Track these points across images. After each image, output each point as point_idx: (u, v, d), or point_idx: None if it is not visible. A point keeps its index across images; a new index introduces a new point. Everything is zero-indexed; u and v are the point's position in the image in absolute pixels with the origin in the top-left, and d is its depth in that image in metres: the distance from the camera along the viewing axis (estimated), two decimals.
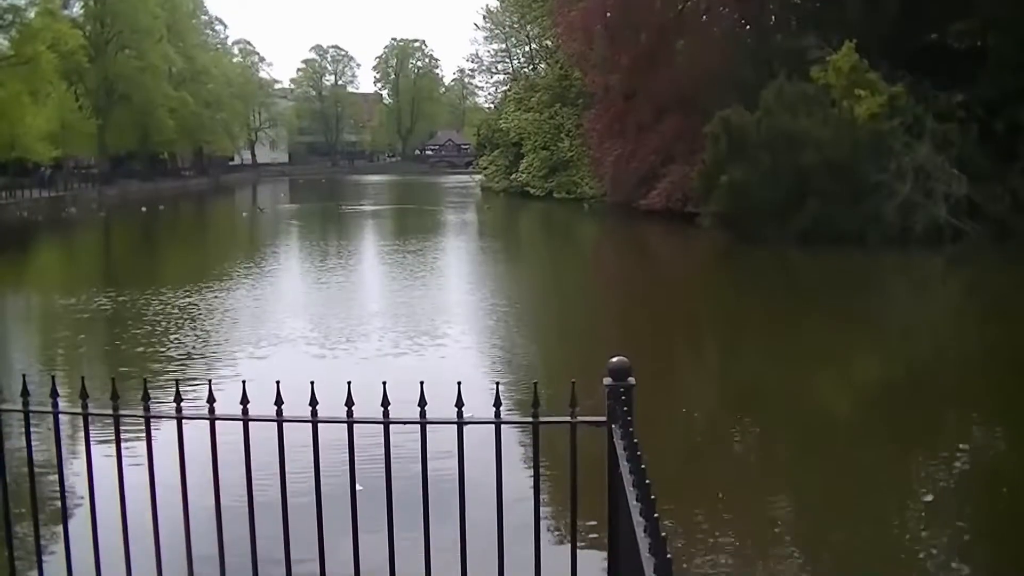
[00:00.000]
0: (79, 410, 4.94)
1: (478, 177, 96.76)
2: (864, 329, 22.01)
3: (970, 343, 20.65)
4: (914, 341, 20.86)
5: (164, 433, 5.33)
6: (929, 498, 11.19)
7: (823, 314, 24.17)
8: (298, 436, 4.79)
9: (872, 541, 9.67)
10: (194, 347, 18.61)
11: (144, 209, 67.48)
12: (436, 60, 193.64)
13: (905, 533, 10.09)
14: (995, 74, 37.55)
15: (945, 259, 33.21)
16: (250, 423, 4.84)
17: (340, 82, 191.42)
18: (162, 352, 18.19)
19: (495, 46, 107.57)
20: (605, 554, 4.72)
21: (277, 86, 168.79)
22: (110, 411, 4.94)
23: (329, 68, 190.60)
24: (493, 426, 4.74)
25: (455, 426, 4.71)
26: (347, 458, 4.89)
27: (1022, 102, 36.02)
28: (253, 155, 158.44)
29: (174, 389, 5.01)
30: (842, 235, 33.79)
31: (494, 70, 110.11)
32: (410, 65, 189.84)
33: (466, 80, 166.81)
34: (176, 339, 19.33)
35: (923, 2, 40.37)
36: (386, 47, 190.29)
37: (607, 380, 4.53)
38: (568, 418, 4.69)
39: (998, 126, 36.68)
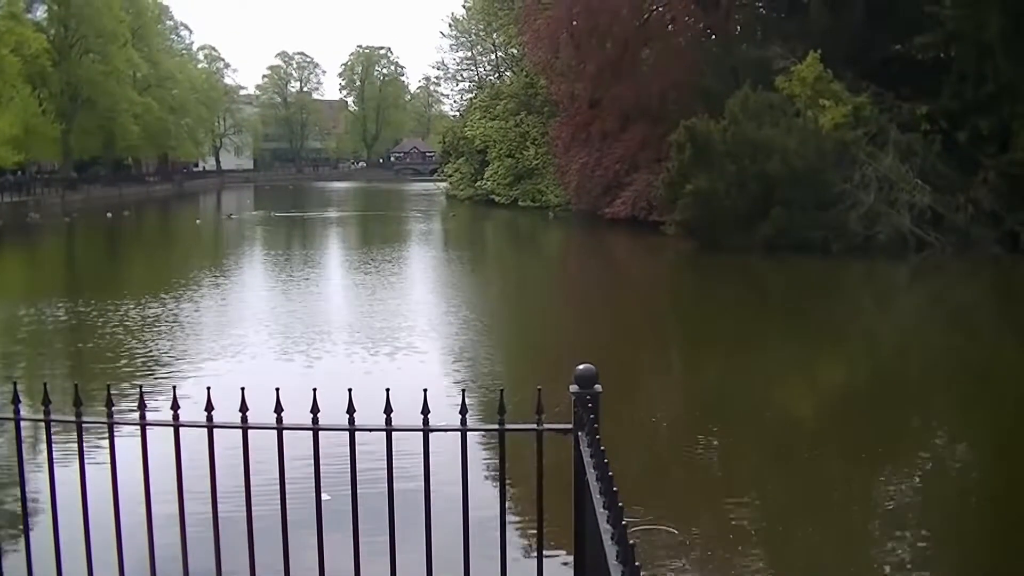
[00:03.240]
0: (41, 417, 4.89)
1: (443, 185, 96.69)
2: (823, 338, 22.13)
3: (928, 353, 20.80)
4: (872, 350, 20.95)
5: (128, 440, 5.29)
6: (891, 505, 11.24)
7: (783, 323, 24.33)
8: (268, 444, 4.76)
9: (836, 547, 9.73)
10: (159, 359, 18.47)
11: (110, 215, 66.88)
12: (402, 68, 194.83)
13: (868, 538, 10.14)
14: (958, 86, 37.85)
15: (908, 269, 33.42)
16: (215, 430, 4.80)
17: (306, 89, 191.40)
18: (125, 365, 18.06)
19: (461, 54, 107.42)
20: (572, 562, 4.71)
21: (242, 92, 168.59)
22: (73, 418, 4.89)
23: (295, 75, 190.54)
24: (459, 434, 4.73)
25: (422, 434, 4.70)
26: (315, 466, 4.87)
27: (984, 114, 36.34)
28: (218, 161, 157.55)
29: (138, 396, 4.95)
30: (806, 244, 34.02)
31: (460, 78, 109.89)
32: (376, 72, 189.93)
33: (432, 88, 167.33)
34: (141, 351, 19.18)
35: (887, 14, 40.66)
36: (352, 54, 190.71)
37: (573, 388, 4.52)
38: (534, 425, 4.68)
39: (961, 137, 36.97)
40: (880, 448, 13.22)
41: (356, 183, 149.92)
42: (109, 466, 4.91)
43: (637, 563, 2.80)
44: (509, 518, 5.17)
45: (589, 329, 23.41)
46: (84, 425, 4.94)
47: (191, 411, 4.94)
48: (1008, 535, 10.21)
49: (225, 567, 5.00)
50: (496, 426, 4.75)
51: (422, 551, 4.83)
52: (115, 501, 4.94)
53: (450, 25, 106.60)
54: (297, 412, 4.83)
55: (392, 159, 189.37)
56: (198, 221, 68.62)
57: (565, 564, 5.75)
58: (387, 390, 4.69)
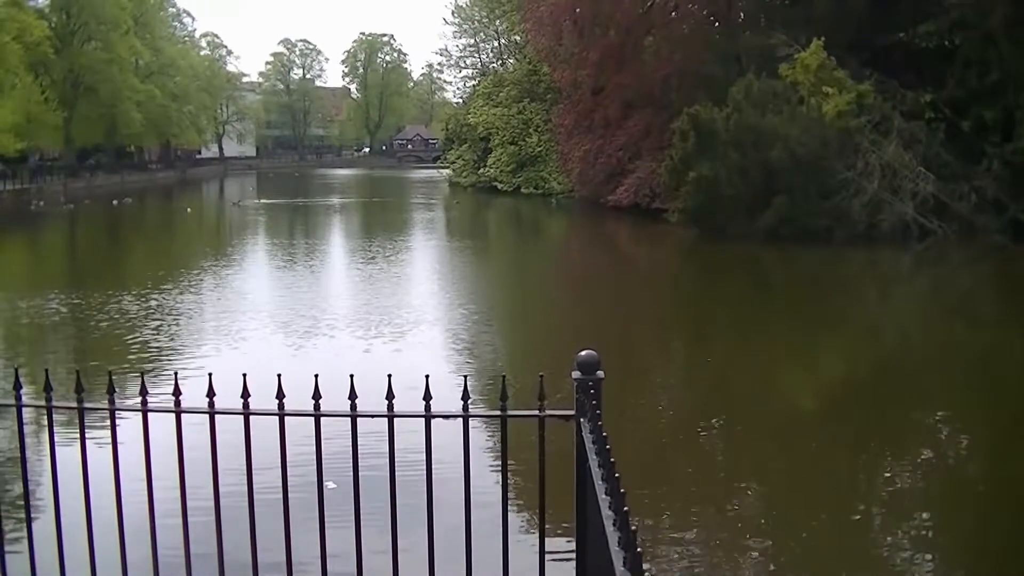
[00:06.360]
0: (43, 403, 4.88)
1: (446, 172, 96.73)
2: (824, 326, 22.09)
3: (930, 340, 20.77)
4: (875, 338, 20.93)
5: (130, 427, 5.27)
6: (893, 488, 11.24)
7: (785, 311, 24.33)
8: (270, 430, 4.76)
9: (840, 537, 9.73)
10: (161, 347, 18.50)
11: (115, 203, 66.95)
12: (405, 55, 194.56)
13: (872, 528, 10.13)
14: (962, 74, 37.77)
15: (911, 257, 33.36)
16: (217, 416, 4.79)
17: (308, 76, 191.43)
18: (127, 353, 18.08)
19: (464, 41, 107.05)
20: (574, 548, 4.71)
21: (245, 79, 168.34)
22: (74, 404, 4.88)
23: (297, 62, 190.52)
24: (462, 420, 4.73)
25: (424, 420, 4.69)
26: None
27: (989, 102, 36.29)
28: (220, 148, 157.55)
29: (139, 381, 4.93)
30: (809, 232, 33.94)
31: (463, 65, 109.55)
32: (378, 59, 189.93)
33: (434, 75, 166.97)
34: (143, 339, 19.20)
35: (891, 2, 40.56)
36: (355, 41, 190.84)
37: (576, 374, 4.51)
38: (536, 412, 4.67)
39: (965, 126, 36.93)
40: (883, 434, 13.22)
41: (359, 170, 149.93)
42: (111, 452, 4.89)
43: (639, 549, 2.79)
44: (511, 504, 5.17)
45: (592, 317, 23.40)
46: (85, 411, 4.93)
47: (192, 398, 4.94)
48: (1012, 519, 10.21)
49: (227, 552, 5.00)
50: (498, 412, 4.74)
51: (424, 536, 4.83)
52: (117, 487, 4.94)
53: (453, 12, 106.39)
54: (299, 399, 4.83)
55: (395, 146, 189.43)
56: (188, 210, 68.23)
57: (567, 549, 5.73)
58: (389, 376, 4.69)
